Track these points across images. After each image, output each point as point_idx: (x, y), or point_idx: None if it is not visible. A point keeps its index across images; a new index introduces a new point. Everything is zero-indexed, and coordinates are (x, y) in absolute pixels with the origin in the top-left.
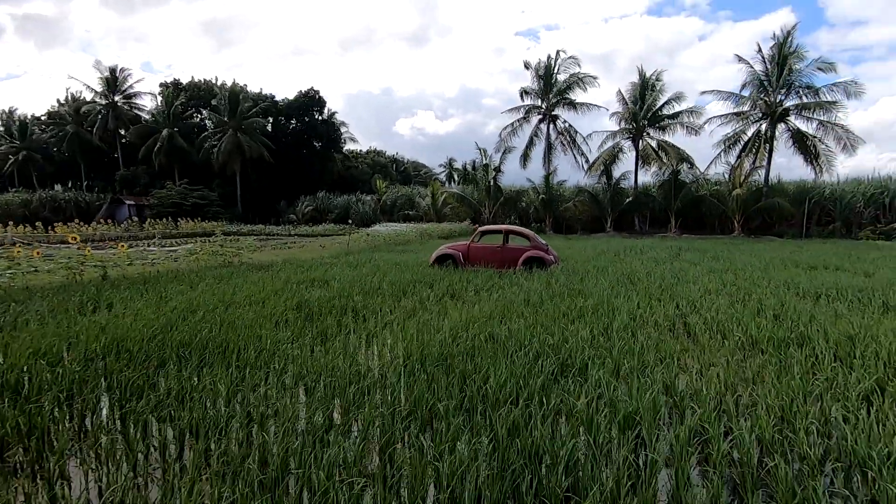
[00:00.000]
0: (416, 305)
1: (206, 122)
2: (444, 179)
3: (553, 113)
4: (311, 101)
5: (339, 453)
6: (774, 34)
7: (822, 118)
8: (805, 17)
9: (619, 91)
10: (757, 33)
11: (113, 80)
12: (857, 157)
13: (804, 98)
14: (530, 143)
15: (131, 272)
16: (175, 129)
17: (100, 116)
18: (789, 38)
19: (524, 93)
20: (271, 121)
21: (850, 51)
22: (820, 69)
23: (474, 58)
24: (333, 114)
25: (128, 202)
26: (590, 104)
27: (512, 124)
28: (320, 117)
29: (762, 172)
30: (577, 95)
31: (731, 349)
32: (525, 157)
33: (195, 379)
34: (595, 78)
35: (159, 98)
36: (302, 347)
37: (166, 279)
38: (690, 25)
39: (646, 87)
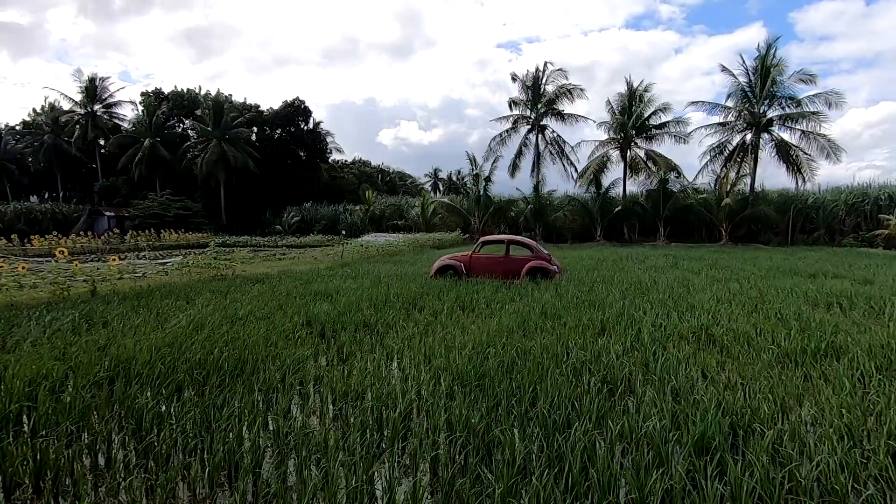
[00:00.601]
0: (430, 319)
1: (189, 131)
2: (430, 189)
3: (542, 123)
4: (296, 111)
5: (396, 493)
6: (759, 45)
7: (804, 128)
8: (776, 32)
9: (608, 101)
10: (730, 46)
11: (92, 89)
12: (828, 166)
13: (787, 109)
14: (519, 153)
15: (121, 287)
16: (157, 139)
17: (78, 126)
18: (772, 50)
19: (513, 103)
20: (255, 130)
21: (819, 64)
22: (802, 80)
23: (457, 69)
24: (318, 123)
25: (107, 213)
26: (577, 115)
27: (501, 134)
28: (306, 127)
29: (747, 182)
30: (565, 106)
31: (768, 362)
32: (514, 167)
33: (218, 406)
34: (583, 90)
35: (140, 107)
36: (322, 367)
37: (161, 294)
38: (667, 38)
39: (633, 98)
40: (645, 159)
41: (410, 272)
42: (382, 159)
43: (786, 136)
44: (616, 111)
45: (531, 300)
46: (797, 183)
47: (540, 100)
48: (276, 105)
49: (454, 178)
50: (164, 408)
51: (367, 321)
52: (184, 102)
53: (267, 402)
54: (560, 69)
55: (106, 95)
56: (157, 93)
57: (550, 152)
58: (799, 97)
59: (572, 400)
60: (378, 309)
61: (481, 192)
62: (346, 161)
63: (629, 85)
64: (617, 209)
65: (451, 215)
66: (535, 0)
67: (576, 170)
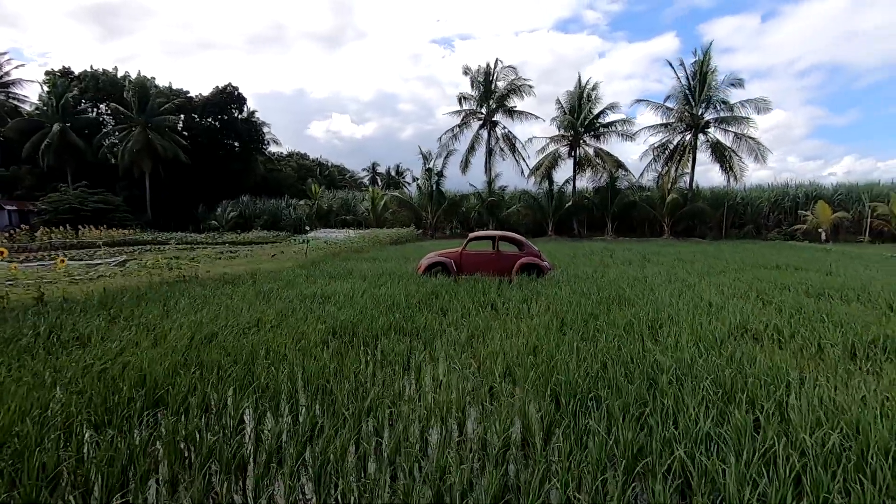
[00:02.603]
0: (463, 321)
1: (105, 117)
2: (368, 184)
3: (493, 119)
4: (228, 98)
5: None
6: (695, 51)
7: (737, 131)
8: (687, 42)
9: (558, 99)
10: (648, 53)
11: None
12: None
13: (721, 112)
14: (471, 149)
15: (75, 292)
16: (67, 124)
17: None
18: (708, 56)
19: (462, 98)
20: (182, 118)
21: (722, 74)
22: (732, 85)
23: (390, 63)
24: (253, 112)
25: (8, 207)
26: (527, 112)
27: (452, 129)
28: (240, 116)
29: (686, 179)
30: (516, 103)
31: (837, 359)
32: (466, 162)
33: (321, 449)
34: (532, 87)
35: (45, 88)
36: (394, 382)
37: (130, 300)
38: (591, 43)
39: (583, 96)
40: (594, 156)
41: (393, 270)
42: (313, 152)
43: (720, 137)
44: (566, 109)
45: (549, 298)
46: (728, 181)
47: (491, 96)
48: (197, 92)
49: (393, 173)
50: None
51: (401, 326)
52: (99, 85)
53: (372, 431)
54: (510, 66)
55: (1, 73)
56: (66, 72)
57: (501, 148)
58: (731, 102)
59: (714, 416)
60: (403, 312)
61: (433, 188)
62: (282, 153)
63: (579, 83)
64: (567, 205)
65: (402, 210)
66: None
67: (527, 165)
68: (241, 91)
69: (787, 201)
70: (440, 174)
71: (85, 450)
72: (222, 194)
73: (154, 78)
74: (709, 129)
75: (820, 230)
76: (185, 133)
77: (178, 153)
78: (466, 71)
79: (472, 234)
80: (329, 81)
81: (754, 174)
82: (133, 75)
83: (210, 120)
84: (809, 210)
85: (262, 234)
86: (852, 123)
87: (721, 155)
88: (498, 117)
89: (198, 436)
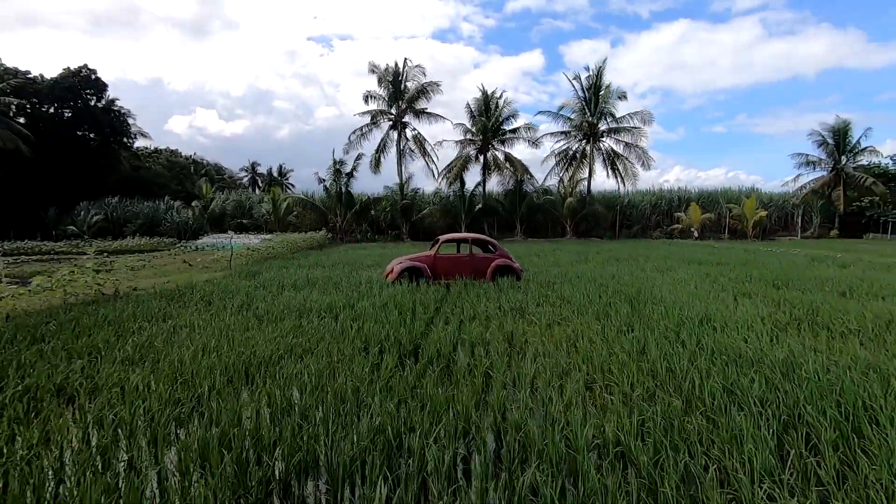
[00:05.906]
0: (513, 329)
1: None
2: (248, 184)
3: (403, 120)
4: (84, 83)
5: None
6: (588, 67)
7: (628, 140)
8: (551, 59)
9: (468, 104)
10: (518, 67)
11: None
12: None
13: (610, 124)
14: (381, 149)
15: None
16: None
17: None
18: (600, 72)
19: (369, 97)
20: (18, 103)
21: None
22: (619, 98)
23: (264, 57)
24: (114, 101)
25: None
26: (438, 114)
27: (362, 129)
28: (98, 104)
29: (585, 184)
30: (426, 105)
31: None
32: (377, 163)
33: None
34: (439, 85)
35: None
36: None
37: (64, 328)
38: (468, 53)
39: (489, 104)
40: (503, 161)
41: (350, 277)
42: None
43: (614, 145)
44: (475, 114)
45: (562, 299)
46: (619, 186)
47: (402, 96)
48: (48, 74)
49: (275, 174)
50: None
51: (461, 340)
52: None
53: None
54: (419, 66)
55: None
56: None
57: (412, 150)
58: (619, 114)
59: None
60: (446, 323)
61: (343, 189)
62: (147, 149)
63: (483, 92)
64: (478, 207)
65: (307, 213)
66: None
67: (437, 168)
68: (100, 76)
69: (664, 204)
70: (350, 175)
71: None
72: (79, 195)
73: None
74: (603, 138)
75: (692, 229)
76: (24, 122)
77: (19, 144)
78: (373, 69)
79: (442, 238)
80: (192, 72)
81: (606, 182)
82: None
83: (58, 106)
84: (683, 211)
85: (143, 241)
86: (680, 139)
87: (613, 161)
88: (408, 118)
89: None
